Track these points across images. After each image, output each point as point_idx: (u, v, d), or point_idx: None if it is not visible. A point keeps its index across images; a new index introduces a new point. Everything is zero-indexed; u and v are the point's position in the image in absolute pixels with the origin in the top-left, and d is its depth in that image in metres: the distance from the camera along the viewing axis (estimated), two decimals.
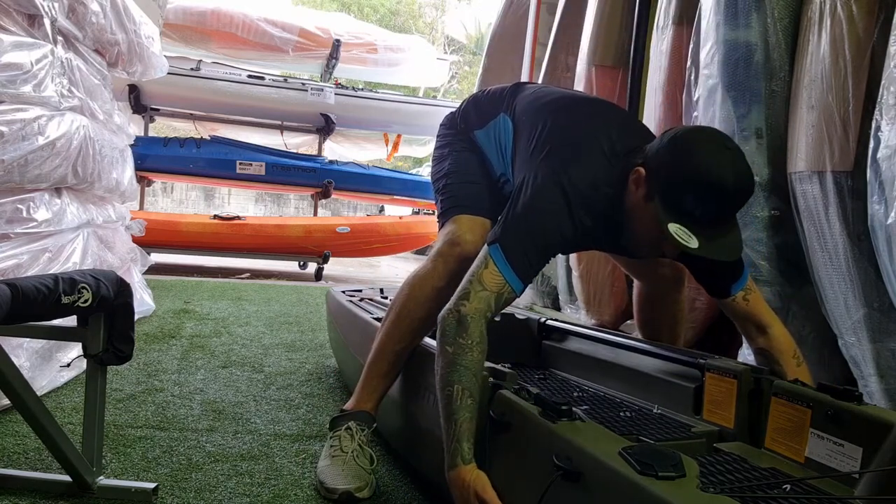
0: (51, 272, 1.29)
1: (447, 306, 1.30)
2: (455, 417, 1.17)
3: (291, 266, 6.26)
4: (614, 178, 1.38)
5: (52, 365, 1.97)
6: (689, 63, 2.34)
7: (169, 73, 3.73)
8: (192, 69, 5.94)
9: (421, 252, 10.45)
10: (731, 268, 1.45)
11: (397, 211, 7.47)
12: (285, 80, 6.66)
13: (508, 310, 2.19)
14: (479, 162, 1.70)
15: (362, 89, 6.91)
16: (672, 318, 1.82)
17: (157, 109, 6.26)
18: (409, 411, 1.53)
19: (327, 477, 1.42)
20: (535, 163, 1.44)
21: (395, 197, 6.60)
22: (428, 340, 1.59)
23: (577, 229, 1.37)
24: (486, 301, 1.27)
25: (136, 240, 3.34)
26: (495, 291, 1.28)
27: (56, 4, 2.10)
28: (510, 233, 1.33)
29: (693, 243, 1.21)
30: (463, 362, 1.21)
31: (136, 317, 2.59)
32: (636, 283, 1.89)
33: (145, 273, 3.47)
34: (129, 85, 5.63)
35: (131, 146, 3.12)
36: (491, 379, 1.21)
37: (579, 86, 3.30)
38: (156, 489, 1.33)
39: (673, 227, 1.22)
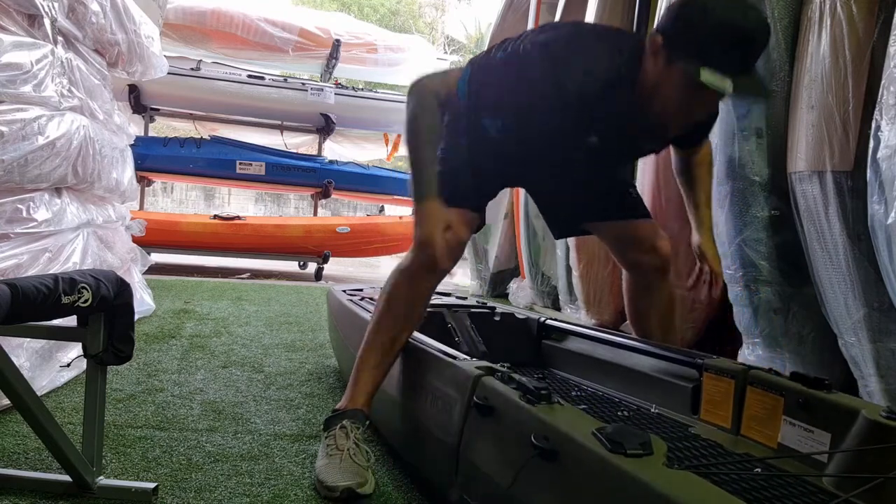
0: (51, 272, 1.29)
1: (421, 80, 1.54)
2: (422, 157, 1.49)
3: (291, 266, 6.26)
4: (622, 66, 1.44)
5: (52, 365, 1.97)
6: None
7: (169, 73, 3.73)
8: (192, 69, 5.94)
9: None
10: (712, 123, 1.74)
11: (397, 211, 7.47)
12: (285, 80, 6.66)
13: (508, 309, 2.20)
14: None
15: (362, 89, 6.91)
16: (661, 308, 1.84)
17: (157, 109, 6.26)
18: (408, 411, 1.53)
19: (326, 476, 1.40)
20: (522, 42, 1.52)
21: (395, 197, 6.60)
22: (423, 338, 1.60)
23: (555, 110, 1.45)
24: (437, 91, 1.51)
25: (136, 240, 3.34)
26: (443, 90, 1.52)
27: (56, 4, 2.11)
28: (484, 68, 1.54)
29: (728, 85, 1.32)
30: (426, 122, 1.50)
31: (136, 317, 2.59)
32: (625, 276, 1.91)
33: (145, 273, 3.47)
34: (129, 85, 5.63)
35: (131, 146, 3.12)
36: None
37: None
38: (156, 489, 1.33)
39: (706, 75, 1.31)
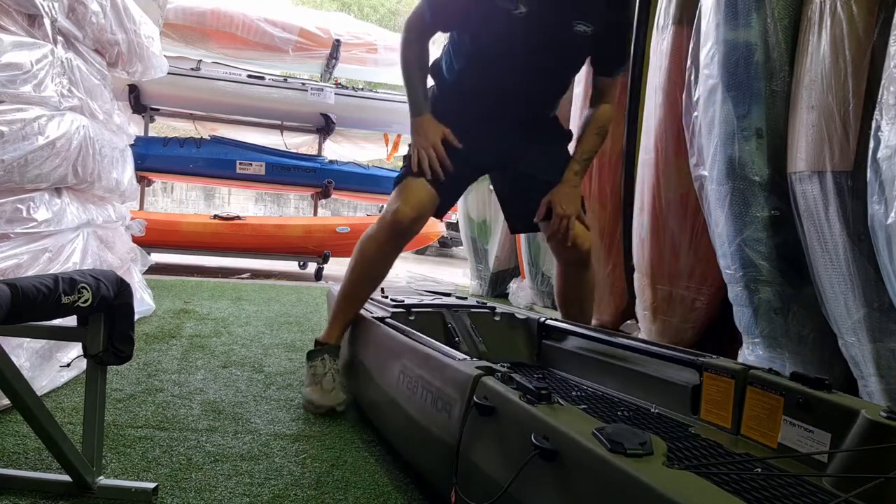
0: (51, 272, 1.29)
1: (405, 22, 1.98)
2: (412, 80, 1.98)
3: (291, 266, 6.26)
4: None
5: (52, 365, 1.97)
6: (689, 63, 2.35)
7: (169, 73, 3.73)
8: (192, 69, 5.94)
9: (421, 252, 10.45)
10: (624, 51, 2.07)
11: None
12: (285, 80, 6.66)
13: (508, 309, 2.20)
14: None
15: (362, 89, 6.90)
16: (580, 293, 2.14)
17: (157, 109, 6.25)
18: (408, 411, 1.53)
19: (312, 397, 1.93)
20: None
21: None
22: (423, 337, 1.59)
23: None
24: (412, 26, 1.96)
25: (136, 240, 3.34)
26: (415, 21, 1.96)
27: (56, 4, 2.11)
28: None
29: None
30: (408, 52, 1.97)
31: (136, 317, 2.59)
32: (556, 267, 2.19)
33: (145, 273, 3.47)
34: (129, 85, 5.62)
35: (131, 146, 3.12)
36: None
37: (579, 86, 3.30)
38: (156, 489, 1.33)
39: None
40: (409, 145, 2.04)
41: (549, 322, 2.01)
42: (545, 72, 1.98)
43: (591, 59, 2.03)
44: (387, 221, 1.95)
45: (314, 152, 6.57)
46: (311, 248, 5.70)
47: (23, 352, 1.80)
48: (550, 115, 2.15)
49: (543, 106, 2.10)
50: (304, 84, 6.34)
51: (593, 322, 3.20)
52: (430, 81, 2.10)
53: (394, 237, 1.95)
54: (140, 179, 5.20)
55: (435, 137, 1.95)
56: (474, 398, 1.17)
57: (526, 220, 2.12)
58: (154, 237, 4.38)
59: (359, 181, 6.28)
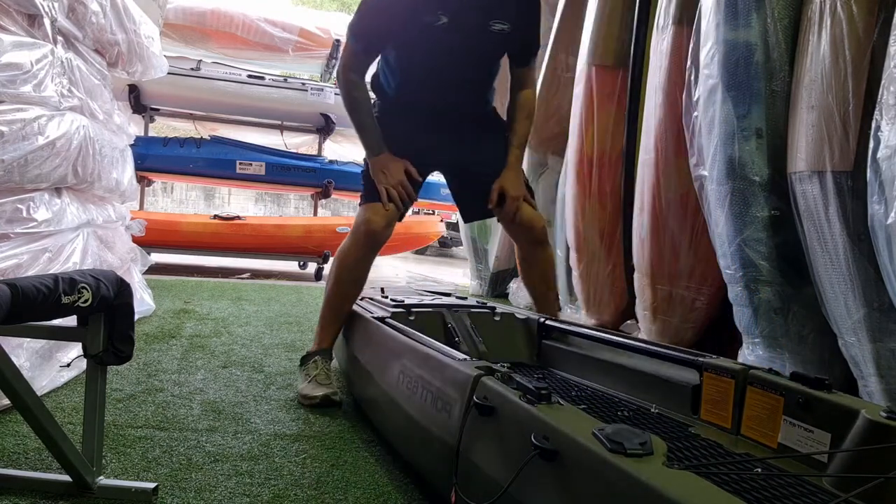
0: (51, 272, 1.29)
1: (337, 67, 2.15)
2: (364, 123, 2.07)
3: (291, 266, 6.26)
4: None
5: (52, 365, 1.97)
6: (689, 63, 2.35)
7: (169, 73, 3.73)
8: (192, 69, 5.93)
9: (421, 252, 10.46)
10: (537, 41, 2.14)
11: None
12: (285, 80, 6.66)
13: (509, 309, 2.20)
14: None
15: None
16: (541, 271, 2.26)
17: (157, 109, 6.25)
18: (408, 411, 1.53)
19: (307, 391, 1.98)
20: None
21: None
22: (423, 337, 1.60)
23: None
24: (347, 67, 2.05)
25: (136, 240, 3.34)
26: (348, 59, 2.05)
27: (56, 4, 2.11)
28: (357, 19, 2.01)
29: None
30: (354, 95, 2.05)
31: (136, 317, 2.59)
32: (516, 250, 2.32)
33: (145, 273, 3.47)
34: (129, 85, 5.62)
35: (131, 146, 3.12)
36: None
37: (579, 86, 3.30)
38: (156, 489, 1.33)
39: None
40: (366, 160, 2.15)
41: (549, 322, 2.01)
42: (473, 73, 2.12)
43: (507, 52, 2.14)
44: (361, 233, 2.06)
45: (314, 152, 6.56)
46: (311, 248, 5.70)
47: (23, 352, 1.80)
48: (487, 108, 2.25)
49: (478, 104, 2.21)
50: (304, 84, 6.34)
51: (592, 322, 3.21)
52: (373, 96, 2.20)
53: (369, 244, 2.07)
54: (140, 179, 5.20)
55: (399, 174, 2.07)
56: (474, 398, 1.17)
57: (477, 209, 2.25)
58: (154, 237, 4.38)
59: (359, 181, 6.25)
